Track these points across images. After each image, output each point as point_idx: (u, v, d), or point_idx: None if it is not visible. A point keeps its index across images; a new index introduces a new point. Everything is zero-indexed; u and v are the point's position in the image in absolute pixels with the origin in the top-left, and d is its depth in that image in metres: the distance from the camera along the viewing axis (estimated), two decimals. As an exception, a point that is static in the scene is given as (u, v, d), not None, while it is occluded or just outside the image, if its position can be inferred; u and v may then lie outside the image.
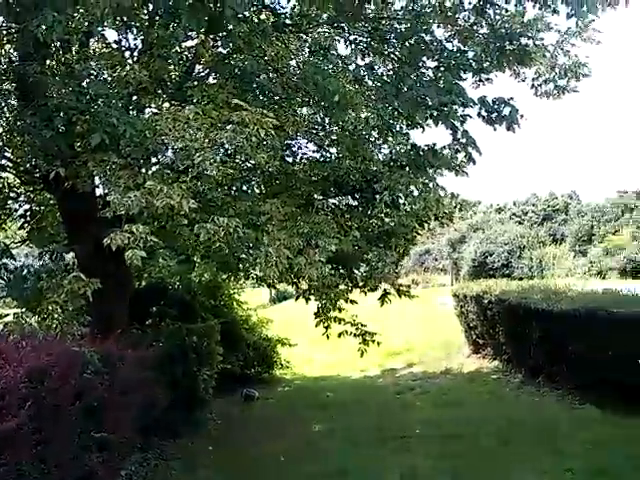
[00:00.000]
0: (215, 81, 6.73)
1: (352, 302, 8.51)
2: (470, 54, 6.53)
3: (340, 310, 8.43)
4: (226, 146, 5.32)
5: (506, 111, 5.91)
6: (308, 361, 13.88)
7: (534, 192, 39.81)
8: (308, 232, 5.99)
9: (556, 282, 15.05)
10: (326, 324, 8.50)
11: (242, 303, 11.89)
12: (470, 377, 10.67)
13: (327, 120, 7.18)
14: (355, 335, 8.38)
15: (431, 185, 7.07)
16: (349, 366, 12.35)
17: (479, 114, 6.05)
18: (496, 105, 5.99)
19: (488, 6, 6.35)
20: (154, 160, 6.00)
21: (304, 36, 6.99)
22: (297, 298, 8.70)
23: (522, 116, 5.92)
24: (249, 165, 6.49)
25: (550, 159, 49.75)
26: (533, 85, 7.08)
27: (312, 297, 8.17)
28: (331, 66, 6.54)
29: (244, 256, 5.87)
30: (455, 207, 8.40)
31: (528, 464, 5.88)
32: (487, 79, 6.74)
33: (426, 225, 9.24)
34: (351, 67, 6.86)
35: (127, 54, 6.86)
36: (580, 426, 6.89)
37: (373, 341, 8.28)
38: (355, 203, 8.13)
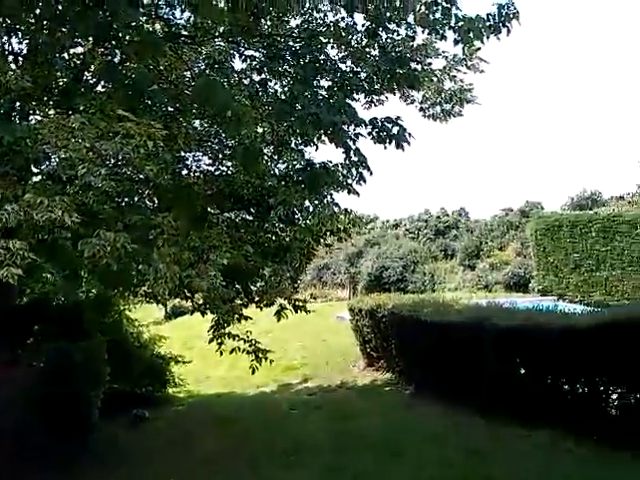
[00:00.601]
0: (104, 90, 6.50)
1: (246, 318, 8.41)
2: (362, 75, 6.71)
3: (239, 321, 8.29)
4: (113, 158, 5.12)
5: (395, 130, 6.11)
6: (204, 379, 13.61)
7: (427, 208, 41.45)
8: (199, 246, 5.87)
9: (445, 295, 15.76)
10: (219, 340, 8.36)
11: (133, 320, 11.47)
12: (364, 390, 10.87)
13: (222, 134, 7.10)
14: (248, 352, 8.28)
15: (325, 201, 7.17)
16: (246, 383, 12.22)
17: (370, 133, 6.23)
18: (386, 124, 6.18)
19: (380, 29, 6.56)
20: (36, 170, 5.68)
21: (199, 48, 6.91)
22: (192, 312, 8.49)
23: (410, 135, 6.15)
24: (139, 178, 6.29)
25: (442, 177, 52.00)
26: (421, 108, 7.37)
27: (208, 311, 8.01)
28: (226, 80, 6.50)
29: (133, 272, 5.66)
30: (349, 223, 8.54)
31: (415, 473, 6.06)
32: (378, 100, 6.96)
33: (322, 240, 9.33)
34: (246, 82, 6.86)
35: (10, 58, 6.50)
36: (464, 436, 7.18)
37: (266, 358, 8.21)
38: (250, 217, 8.09)
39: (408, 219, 40.82)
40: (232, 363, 11.48)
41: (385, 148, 6.19)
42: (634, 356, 6.21)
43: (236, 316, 8.16)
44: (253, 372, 8.27)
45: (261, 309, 9.09)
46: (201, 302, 8.10)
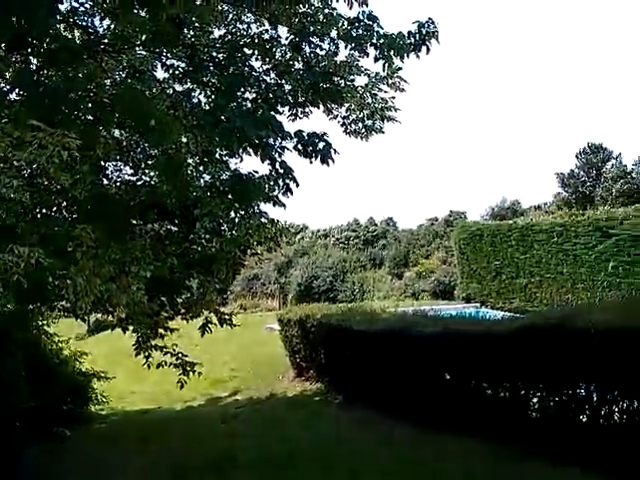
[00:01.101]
0: (19, 98, 6.24)
1: (172, 330, 8.25)
2: (287, 87, 6.74)
3: (163, 337, 8.11)
4: (28, 168, 4.93)
5: (321, 145, 6.18)
6: (128, 394, 13.20)
7: (356, 218, 42.02)
8: (120, 259, 5.72)
9: (373, 304, 16.00)
10: (146, 353, 8.14)
11: (52, 335, 11.00)
12: (293, 401, 10.85)
13: (144, 144, 6.96)
14: (175, 366, 8.11)
15: (251, 212, 7.14)
16: (173, 397, 11.94)
17: (296, 147, 6.27)
18: (311, 139, 6.24)
19: (303, 43, 6.62)
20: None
21: (119, 57, 6.75)
22: (113, 328, 8.25)
23: (335, 151, 6.22)
24: (56, 188, 6.07)
25: (370, 187, 52.91)
26: (344, 123, 7.47)
27: (130, 326, 7.79)
28: (147, 89, 6.38)
29: (50, 287, 5.44)
30: (276, 233, 8.53)
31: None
32: (303, 112, 7.00)
33: (249, 251, 9.27)
34: (169, 91, 6.76)
35: None
36: (394, 446, 7.26)
37: (194, 372, 8.06)
38: (175, 228, 7.96)
39: (337, 229, 41.23)
40: (159, 378, 11.19)
41: (311, 163, 6.23)
42: (550, 360, 6.46)
43: (160, 330, 7.99)
44: (181, 387, 8.11)
45: (187, 321, 8.96)
46: (123, 316, 7.89)
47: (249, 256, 9.91)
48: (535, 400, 6.90)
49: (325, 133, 6.25)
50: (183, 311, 8.79)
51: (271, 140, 6.00)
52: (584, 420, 6.25)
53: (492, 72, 45.10)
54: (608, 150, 36.20)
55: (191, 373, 8.12)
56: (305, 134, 6.22)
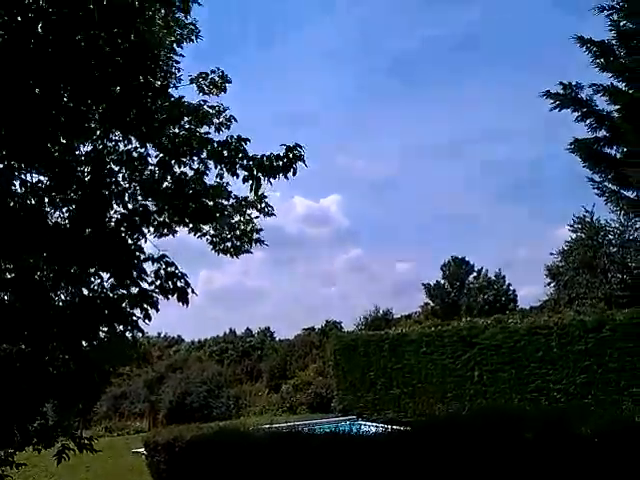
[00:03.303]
0: None
1: (18, 466, 7.39)
2: (153, 208, 6.77)
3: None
4: None
5: (179, 284, 6.24)
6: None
7: (232, 328, 41.33)
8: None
9: (247, 421, 15.43)
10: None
11: None
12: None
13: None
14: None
15: (112, 332, 6.81)
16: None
17: (153, 283, 6.28)
18: (171, 279, 6.27)
19: (173, 162, 6.72)
20: None
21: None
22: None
23: (193, 291, 6.32)
24: None
25: (247, 296, 52.78)
26: (212, 241, 7.54)
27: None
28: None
29: None
30: (141, 353, 8.16)
31: None
32: (170, 230, 6.98)
33: (114, 372, 8.75)
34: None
35: None
36: None
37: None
38: (28, 349, 7.36)
39: (213, 340, 40.21)
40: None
41: (167, 299, 6.26)
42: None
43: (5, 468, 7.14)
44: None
45: (39, 452, 8.10)
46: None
47: (114, 376, 9.34)
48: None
49: (185, 274, 6.35)
50: (35, 440, 7.96)
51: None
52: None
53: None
54: (470, 263, 39.07)
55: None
56: (163, 272, 6.26)
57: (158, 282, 6.26)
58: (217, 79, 7.20)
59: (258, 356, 36.03)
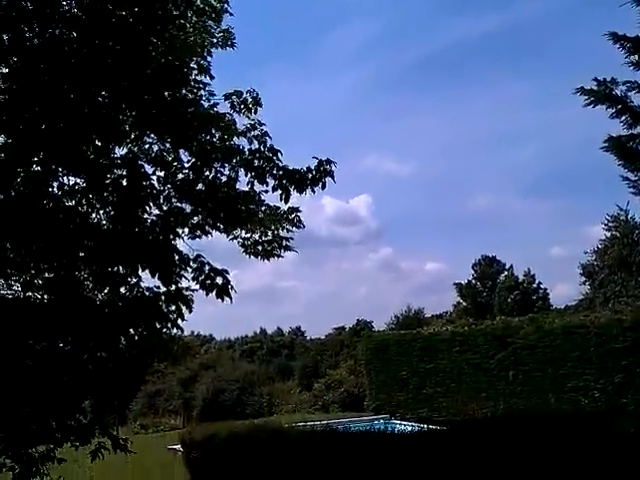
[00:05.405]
0: None
1: (60, 461, 7.53)
2: (188, 209, 6.86)
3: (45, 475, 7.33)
4: None
5: (219, 281, 6.30)
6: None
7: (263, 327, 41.60)
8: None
9: (281, 419, 15.49)
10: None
11: None
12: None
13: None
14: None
15: (151, 329, 6.91)
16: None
17: (194, 278, 6.38)
18: (210, 274, 6.35)
19: (204, 168, 6.82)
20: None
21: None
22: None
23: (232, 287, 6.37)
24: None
25: (277, 295, 53.16)
26: (244, 244, 7.60)
27: (7, 461, 7.04)
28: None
29: None
30: (178, 350, 8.26)
31: None
32: (203, 233, 7.05)
33: (149, 369, 8.87)
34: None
35: None
36: None
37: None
38: (67, 347, 7.52)
39: (242, 339, 40.52)
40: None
41: (207, 295, 6.33)
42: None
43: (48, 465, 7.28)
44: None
45: (76, 448, 8.24)
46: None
47: (149, 374, 9.47)
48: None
49: (226, 270, 6.40)
50: (73, 437, 8.12)
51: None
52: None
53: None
54: (501, 262, 38.61)
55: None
56: (205, 264, 6.28)
57: (198, 279, 6.32)
58: (250, 100, 7.25)
59: (288, 355, 36.15)
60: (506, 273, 38.14)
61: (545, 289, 36.70)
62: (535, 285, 36.74)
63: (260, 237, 7.55)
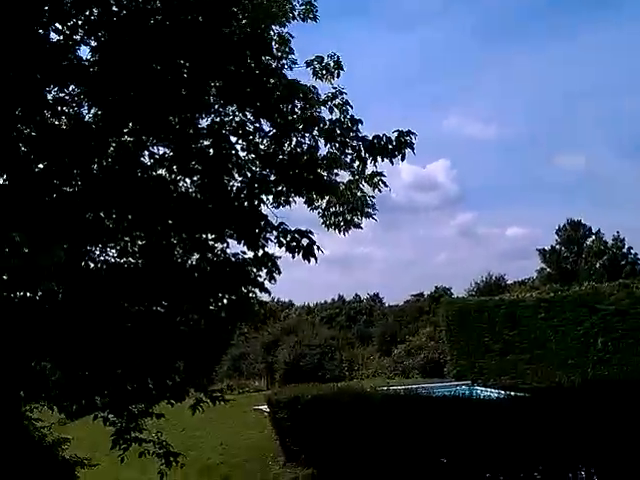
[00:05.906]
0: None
1: (158, 416, 7.99)
2: (271, 177, 6.95)
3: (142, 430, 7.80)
4: None
5: (304, 242, 6.35)
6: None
7: (341, 294, 41.94)
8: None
9: (362, 383, 15.71)
10: (124, 445, 7.78)
11: (35, 421, 10.60)
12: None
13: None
14: (158, 455, 7.79)
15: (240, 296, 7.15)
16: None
17: (279, 242, 6.48)
18: (296, 236, 6.43)
19: (284, 138, 6.87)
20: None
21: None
22: (95, 418, 7.88)
23: (318, 248, 6.41)
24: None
25: (355, 263, 53.37)
26: (324, 214, 7.63)
27: (110, 416, 7.54)
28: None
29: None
30: (264, 314, 8.49)
31: None
32: (286, 201, 7.15)
33: (237, 331, 9.19)
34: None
35: None
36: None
37: (177, 462, 7.74)
38: (162, 310, 7.89)
39: (321, 305, 41.04)
40: (146, 464, 10.76)
41: (293, 257, 6.40)
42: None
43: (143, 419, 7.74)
44: (162, 478, 7.73)
45: (172, 405, 8.70)
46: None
47: (236, 336, 9.81)
48: None
49: (310, 231, 6.47)
50: (169, 395, 8.57)
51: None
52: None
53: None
54: (587, 226, 37.00)
55: (174, 463, 7.80)
56: (290, 230, 6.37)
57: (284, 241, 6.41)
58: (332, 64, 7.21)
59: (367, 321, 36.32)
60: (593, 237, 36.55)
61: (636, 254, 35.01)
62: (625, 250, 35.07)
63: (340, 207, 7.58)
